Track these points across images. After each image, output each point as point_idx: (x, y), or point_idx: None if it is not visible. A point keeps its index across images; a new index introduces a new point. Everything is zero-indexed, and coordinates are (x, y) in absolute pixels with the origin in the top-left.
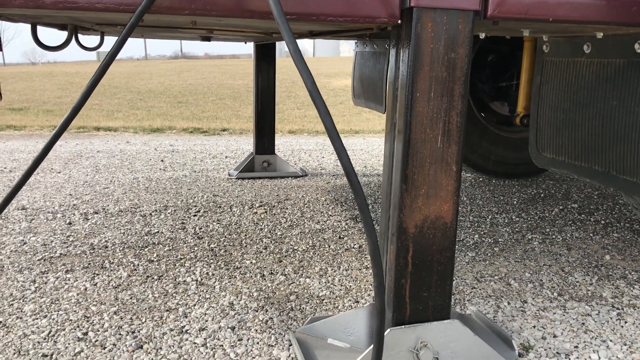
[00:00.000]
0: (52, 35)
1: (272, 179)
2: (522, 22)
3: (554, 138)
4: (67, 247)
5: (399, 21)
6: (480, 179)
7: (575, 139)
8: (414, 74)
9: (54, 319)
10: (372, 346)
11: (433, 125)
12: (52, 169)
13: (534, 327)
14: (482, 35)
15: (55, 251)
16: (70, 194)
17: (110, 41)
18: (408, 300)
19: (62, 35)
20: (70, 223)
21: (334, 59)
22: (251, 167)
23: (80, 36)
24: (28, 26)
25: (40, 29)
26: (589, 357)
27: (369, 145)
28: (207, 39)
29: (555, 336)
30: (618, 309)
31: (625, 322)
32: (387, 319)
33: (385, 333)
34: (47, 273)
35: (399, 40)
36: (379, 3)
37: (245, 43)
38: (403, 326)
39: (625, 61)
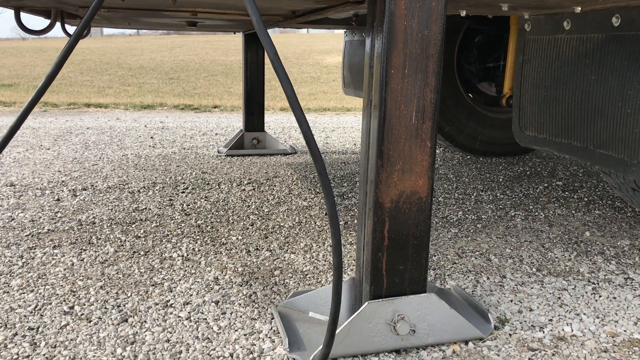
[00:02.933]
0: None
1: (261, 156)
2: None
3: (535, 116)
4: (55, 223)
5: None
6: (468, 157)
7: (555, 115)
8: (389, 50)
9: (40, 294)
10: (351, 318)
11: (407, 102)
12: (41, 145)
13: (511, 301)
14: (463, 13)
15: (43, 227)
16: (59, 171)
17: (95, 30)
18: (385, 274)
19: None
20: (58, 199)
21: (328, 35)
22: (240, 145)
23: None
24: None
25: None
26: (562, 329)
27: (360, 123)
28: (193, 24)
29: (531, 310)
30: (594, 283)
31: (600, 296)
32: (365, 292)
33: (363, 306)
34: (35, 249)
35: (374, 18)
36: None
37: (234, 33)
38: (380, 299)
39: (603, 35)
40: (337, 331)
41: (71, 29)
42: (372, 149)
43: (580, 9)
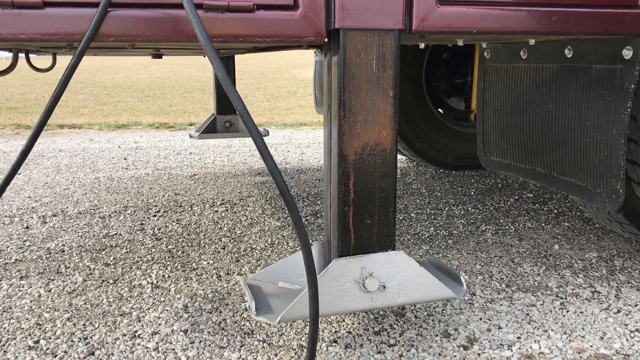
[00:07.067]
0: None
1: (234, 139)
2: (448, 34)
3: (499, 141)
4: (23, 252)
5: (326, 39)
6: (441, 170)
7: (518, 142)
8: None
9: (5, 328)
10: (319, 276)
11: (367, 50)
12: None
13: (480, 319)
14: (422, 45)
15: (11, 257)
16: (29, 197)
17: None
18: (352, 228)
19: None
20: (27, 227)
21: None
22: (213, 128)
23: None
24: None
25: None
26: (530, 347)
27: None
28: (158, 56)
29: (500, 328)
30: (562, 298)
31: (567, 312)
32: (333, 249)
33: (331, 264)
34: (1, 280)
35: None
36: (305, 24)
37: (205, 56)
38: (349, 257)
39: (557, 66)
40: (304, 292)
41: (36, 61)
42: (333, 100)
43: (534, 41)
